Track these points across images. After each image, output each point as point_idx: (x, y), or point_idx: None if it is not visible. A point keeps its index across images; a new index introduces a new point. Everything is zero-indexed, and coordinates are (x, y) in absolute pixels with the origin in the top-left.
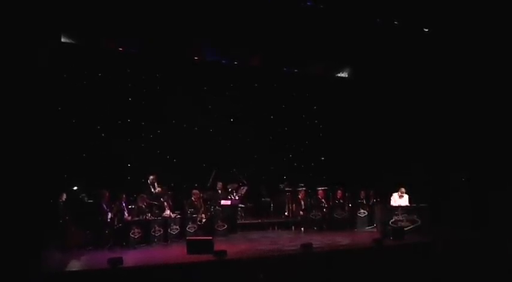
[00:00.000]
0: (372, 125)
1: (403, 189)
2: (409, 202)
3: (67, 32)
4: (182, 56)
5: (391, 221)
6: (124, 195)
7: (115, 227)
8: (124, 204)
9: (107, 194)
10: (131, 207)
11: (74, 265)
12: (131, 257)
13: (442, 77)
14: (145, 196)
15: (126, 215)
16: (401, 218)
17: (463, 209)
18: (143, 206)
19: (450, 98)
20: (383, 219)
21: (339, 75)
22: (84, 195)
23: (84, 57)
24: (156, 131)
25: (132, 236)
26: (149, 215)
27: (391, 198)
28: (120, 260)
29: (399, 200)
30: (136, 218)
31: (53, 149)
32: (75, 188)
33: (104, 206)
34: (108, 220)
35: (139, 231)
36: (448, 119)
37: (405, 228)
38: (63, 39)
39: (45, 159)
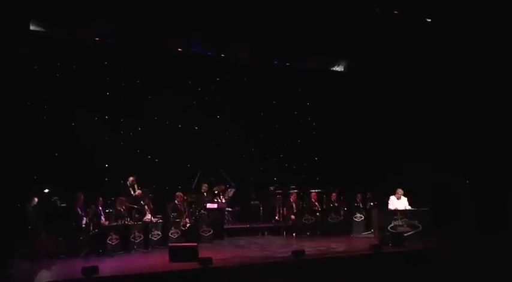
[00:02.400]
0: (370, 122)
1: (400, 191)
2: (409, 205)
3: (36, 19)
4: (164, 47)
5: (390, 226)
6: (101, 198)
7: (90, 233)
8: (100, 208)
9: (82, 197)
10: (108, 211)
11: (45, 276)
12: (108, 266)
13: (445, 70)
14: (124, 199)
15: (103, 219)
16: (400, 223)
17: (467, 213)
18: (122, 210)
19: (453, 93)
20: (381, 224)
21: (334, 68)
22: (56, 198)
23: (56, 47)
24: (136, 128)
25: (110, 242)
26: (128, 219)
27: (389, 201)
28: (95, 269)
29: (397, 202)
30: (114, 223)
31: (21, 147)
32: (46, 190)
33: (79, 210)
34: (83, 225)
35: (117, 237)
36: (451, 117)
37: (405, 234)
38: (32, 27)
39: (13, 159)
